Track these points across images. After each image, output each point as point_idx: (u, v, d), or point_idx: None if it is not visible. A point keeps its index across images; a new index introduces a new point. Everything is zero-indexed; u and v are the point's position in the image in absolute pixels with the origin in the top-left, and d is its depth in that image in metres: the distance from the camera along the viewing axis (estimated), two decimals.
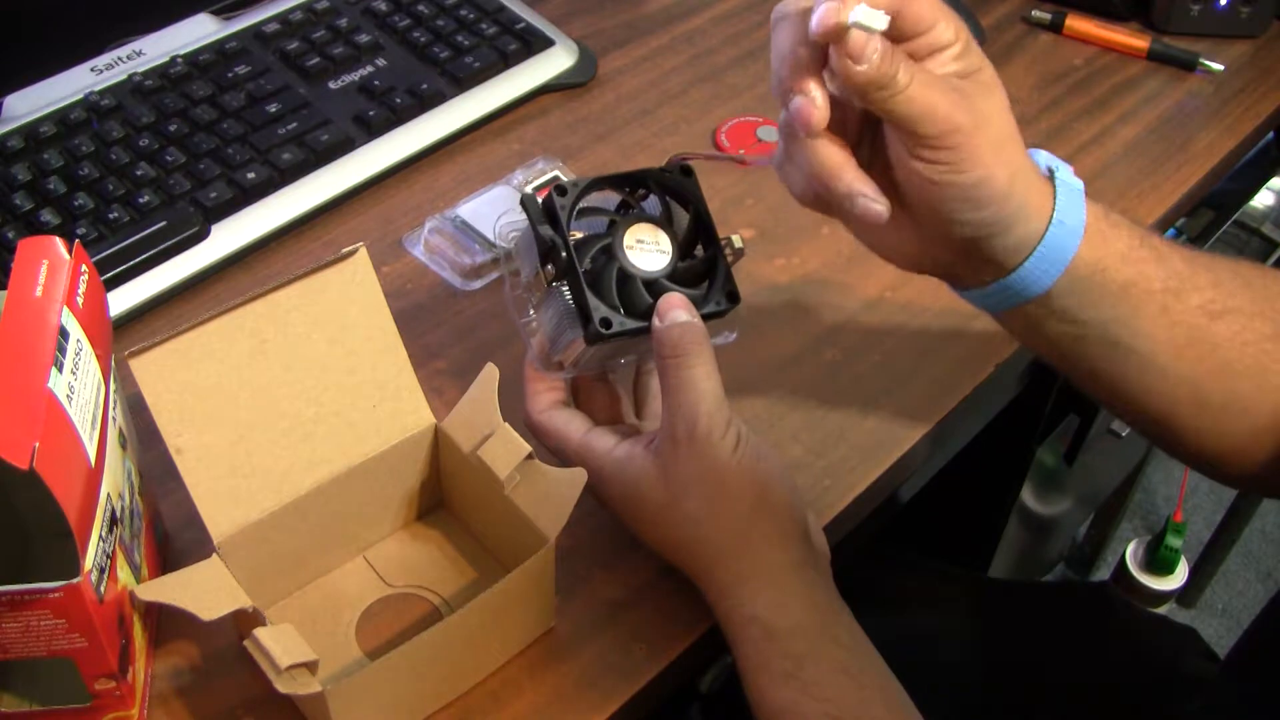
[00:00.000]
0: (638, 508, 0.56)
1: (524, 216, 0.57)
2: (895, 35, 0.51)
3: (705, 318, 0.56)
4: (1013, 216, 0.53)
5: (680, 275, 0.57)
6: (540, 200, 0.57)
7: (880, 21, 0.49)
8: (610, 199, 0.59)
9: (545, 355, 0.58)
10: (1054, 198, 0.54)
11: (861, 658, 0.53)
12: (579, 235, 0.57)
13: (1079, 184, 0.56)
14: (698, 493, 0.54)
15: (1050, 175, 0.55)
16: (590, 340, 0.56)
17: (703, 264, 0.58)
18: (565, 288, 0.56)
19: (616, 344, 0.57)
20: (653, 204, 0.59)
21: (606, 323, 0.55)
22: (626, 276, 0.56)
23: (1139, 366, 0.57)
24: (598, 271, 0.56)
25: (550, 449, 0.58)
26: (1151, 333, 0.56)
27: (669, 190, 0.59)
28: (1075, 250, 0.54)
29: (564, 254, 0.56)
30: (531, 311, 0.59)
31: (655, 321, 0.55)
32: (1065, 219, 0.54)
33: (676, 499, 0.54)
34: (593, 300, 0.55)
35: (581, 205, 0.57)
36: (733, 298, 0.57)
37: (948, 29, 0.52)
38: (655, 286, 0.56)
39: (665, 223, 0.58)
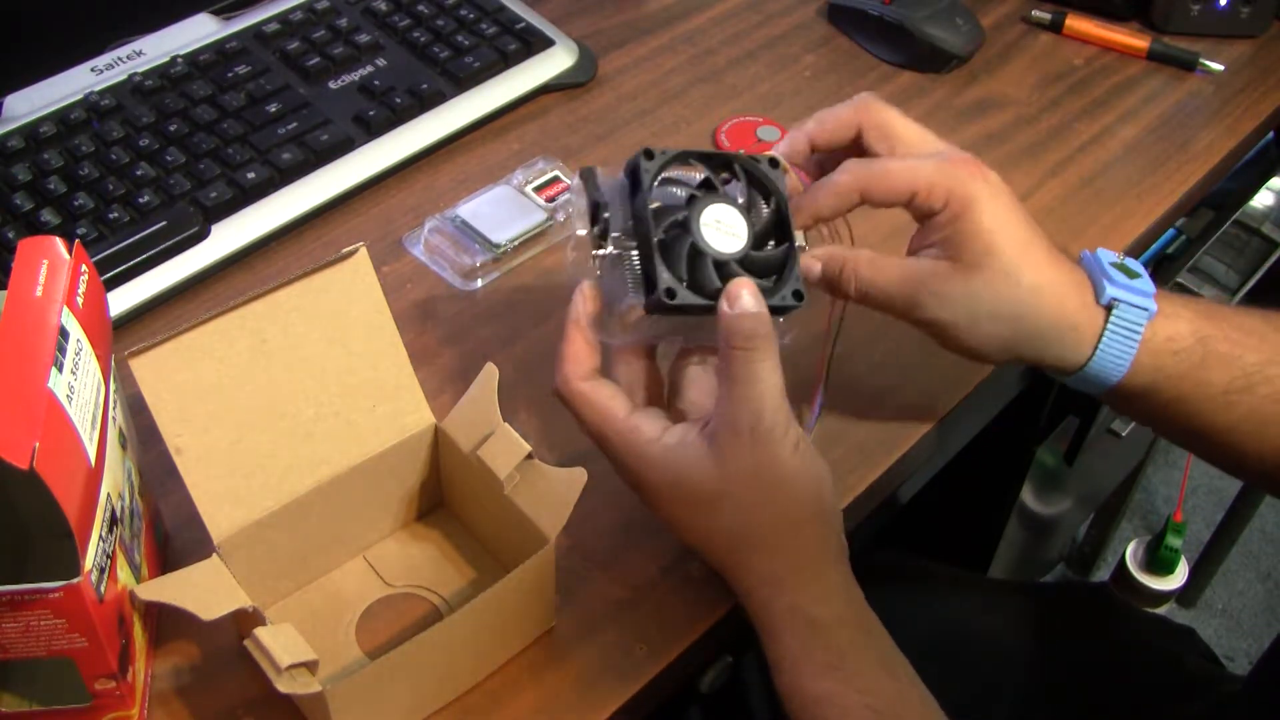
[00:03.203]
0: (683, 494, 0.54)
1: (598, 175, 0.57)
2: (875, 205, 0.57)
3: (770, 311, 0.55)
4: (1026, 360, 0.59)
5: (752, 264, 0.56)
6: (627, 162, 0.57)
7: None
8: (691, 176, 0.58)
9: (598, 317, 0.56)
10: (1099, 338, 0.58)
11: (896, 653, 0.53)
12: (655, 205, 0.56)
13: (1141, 317, 0.58)
14: (755, 485, 0.53)
15: (1109, 308, 0.58)
16: (651, 309, 0.54)
17: (775, 258, 0.57)
18: (634, 252, 0.55)
19: (673, 320, 0.55)
20: (734, 190, 0.58)
21: (671, 293, 0.54)
22: (698, 253, 0.55)
23: (1208, 443, 0.62)
24: (669, 243, 0.55)
25: (583, 419, 0.56)
26: (1212, 422, 0.60)
27: (752, 178, 0.58)
28: (1116, 381, 0.59)
29: (641, 218, 0.54)
30: (598, 273, 0.57)
31: (724, 306, 0.53)
32: (1106, 358, 0.58)
33: (729, 490, 0.53)
34: (662, 269, 0.54)
35: (664, 175, 0.56)
36: (799, 296, 0.56)
37: (932, 198, 0.56)
38: (725, 269, 0.55)
39: (744, 209, 0.57)
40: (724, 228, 0.56)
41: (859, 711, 0.51)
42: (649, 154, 0.56)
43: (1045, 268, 0.57)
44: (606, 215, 0.56)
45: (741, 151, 0.59)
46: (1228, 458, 0.63)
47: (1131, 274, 0.59)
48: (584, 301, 0.56)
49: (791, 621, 0.52)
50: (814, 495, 0.54)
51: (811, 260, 0.58)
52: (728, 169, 0.58)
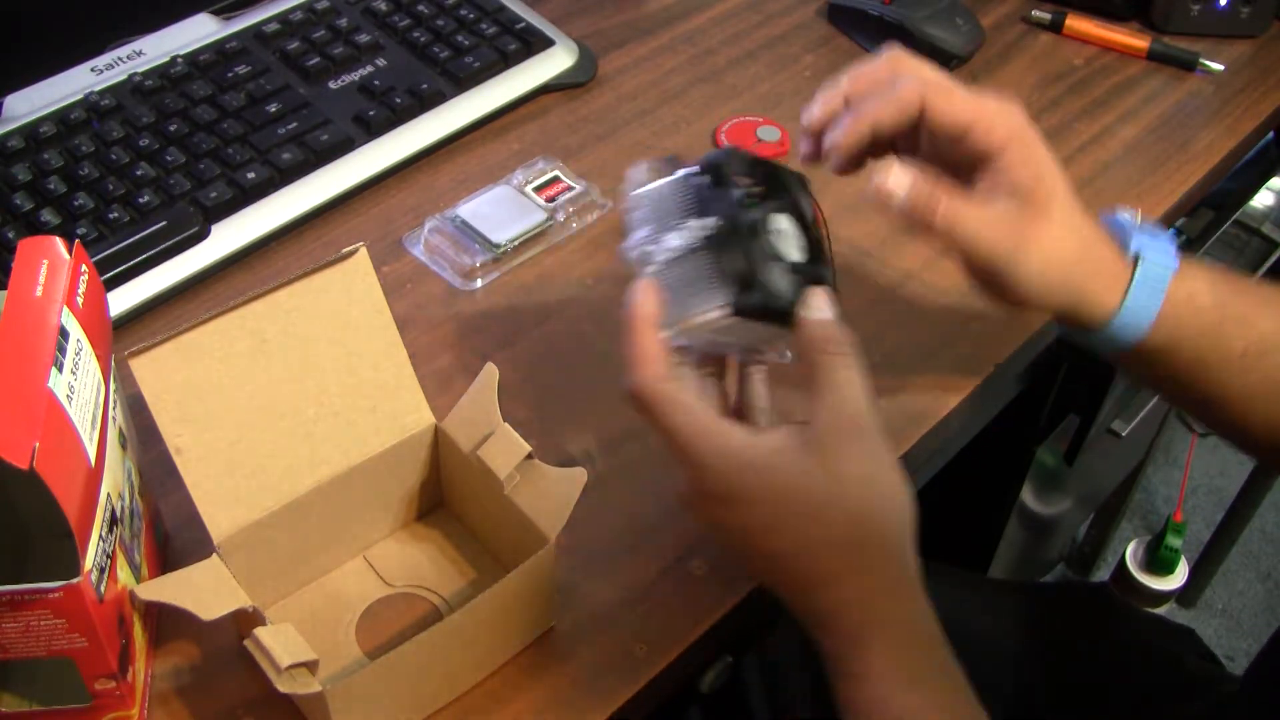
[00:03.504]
0: (789, 502, 0.51)
1: (653, 173, 0.55)
2: (931, 134, 0.55)
3: None
4: (1066, 308, 0.58)
5: (804, 274, 0.55)
6: (708, 158, 0.55)
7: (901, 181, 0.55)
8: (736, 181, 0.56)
9: (665, 317, 0.53)
10: (1127, 288, 0.58)
11: (962, 673, 0.52)
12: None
13: (1166, 271, 0.58)
14: (866, 492, 0.51)
15: (1135, 262, 0.58)
16: (743, 311, 0.52)
17: (815, 274, 0.55)
18: (713, 252, 0.53)
19: (743, 326, 0.54)
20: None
21: (776, 296, 0.52)
22: (773, 259, 0.53)
23: (1222, 411, 0.62)
24: (743, 246, 0.53)
25: (666, 423, 0.51)
26: (1228, 387, 0.60)
27: (793, 192, 0.56)
28: (1141, 336, 0.58)
29: (740, 218, 0.53)
30: (663, 270, 0.54)
31: (809, 313, 0.53)
32: (1133, 311, 0.58)
33: (838, 496, 0.51)
34: (763, 270, 0.52)
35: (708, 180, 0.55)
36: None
37: (993, 133, 0.55)
38: (794, 275, 0.54)
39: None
40: (784, 236, 0.55)
41: None
42: (732, 153, 0.55)
43: (1084, 213, 0.58)
44: (716, 218, 0.53)
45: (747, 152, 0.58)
46: (1236, 426, 0.63)
47: (1152, 232, 0.60)
48: (649, 299, 0.52)
49: (888, 632, 0.51)
50: (905, 504, 0.52)
51: (897, 177, 0.55)
52: (772, 182, 0.56)
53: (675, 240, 0.53)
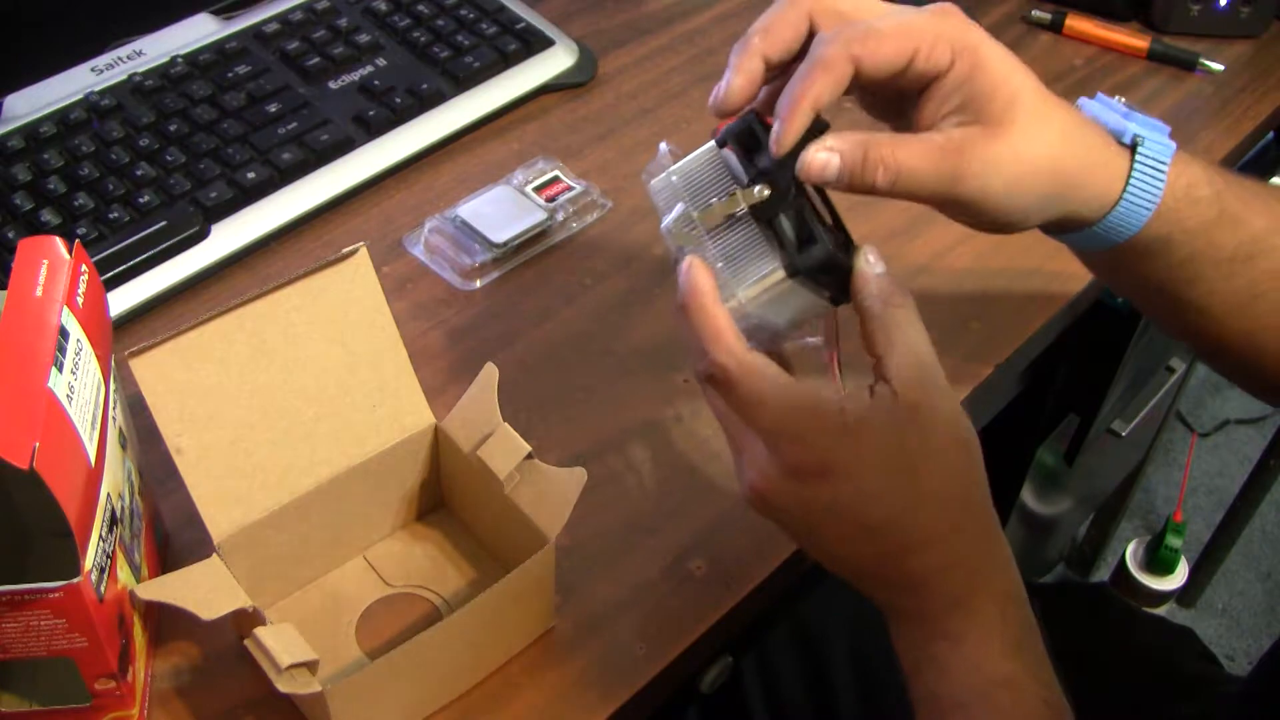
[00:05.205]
0: (887, 465, 0.48)
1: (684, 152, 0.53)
2: (871, 83, 0.51)
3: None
4: (1055, 216, 0.54)
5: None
6: (735, 127, 0.52)
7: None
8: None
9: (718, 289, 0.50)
10: (1128, 177, 0.54)
11: (1042, 639, 0.51)
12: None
13: (1166, 154, 0.54)
14: (951, 438, 0.49)
15: (1133, 149, 0.54)
16: (803, 271, 0.50)
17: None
18: (760, 218, 0.51)
19: (793, 294, 0.52)
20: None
21: (834, 253, 0.49)
22: (818, 217, 0.51)
23: (1201, 319, 0.59)
24: (792, 208, 0.51)
25: (751, 398, 0.48)
26: (1212, 292, 0.57)
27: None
28: (1137, 229, 0.55)
29: (787, 178, 0.50)
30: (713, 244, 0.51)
31: (873, 268, 0.51)
32: (1134, 200, 0.54)
33: (935, 450, 0.49)
34: (816, 229, 0.50)
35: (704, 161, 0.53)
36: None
37: (934, 55, 0.50)
38: (835, 233, 0.52)
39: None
40: (813, 197, 0.53)
41: (1035, 704, 0.48)
42: (753, 119, 0.52)
43: (1063, 107, 0.53)
44: (760, 185, 0.51)
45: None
46: (1212, 337, 0.60)
47: (1142, 113, 0.56)
48: (702, 274, 0.49)
49: (991, 591, 0.49)
50: (979, 447, 0.51)
51: (825, 153, 0.50)
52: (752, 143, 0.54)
53: (718, 212, 0.51)
